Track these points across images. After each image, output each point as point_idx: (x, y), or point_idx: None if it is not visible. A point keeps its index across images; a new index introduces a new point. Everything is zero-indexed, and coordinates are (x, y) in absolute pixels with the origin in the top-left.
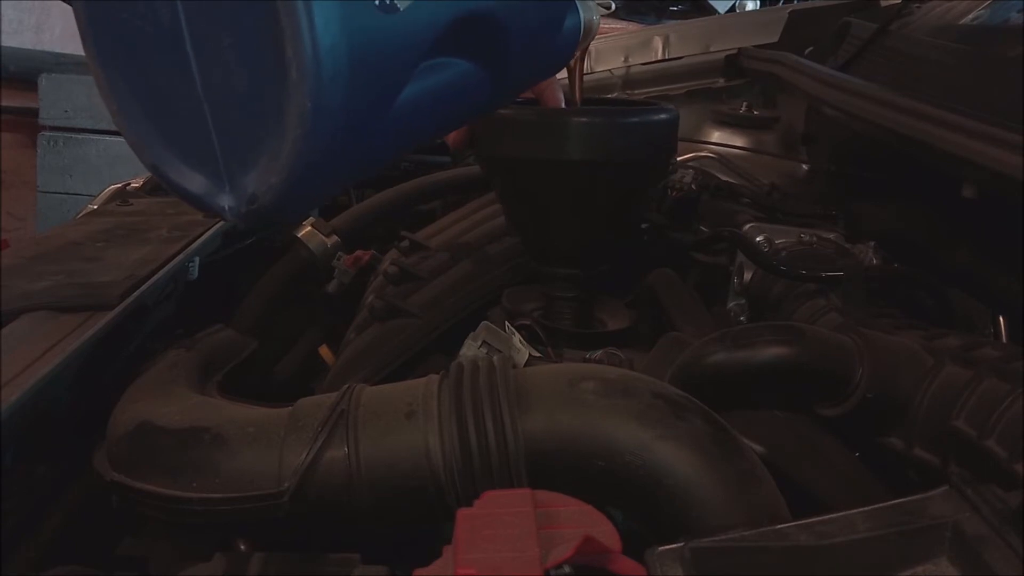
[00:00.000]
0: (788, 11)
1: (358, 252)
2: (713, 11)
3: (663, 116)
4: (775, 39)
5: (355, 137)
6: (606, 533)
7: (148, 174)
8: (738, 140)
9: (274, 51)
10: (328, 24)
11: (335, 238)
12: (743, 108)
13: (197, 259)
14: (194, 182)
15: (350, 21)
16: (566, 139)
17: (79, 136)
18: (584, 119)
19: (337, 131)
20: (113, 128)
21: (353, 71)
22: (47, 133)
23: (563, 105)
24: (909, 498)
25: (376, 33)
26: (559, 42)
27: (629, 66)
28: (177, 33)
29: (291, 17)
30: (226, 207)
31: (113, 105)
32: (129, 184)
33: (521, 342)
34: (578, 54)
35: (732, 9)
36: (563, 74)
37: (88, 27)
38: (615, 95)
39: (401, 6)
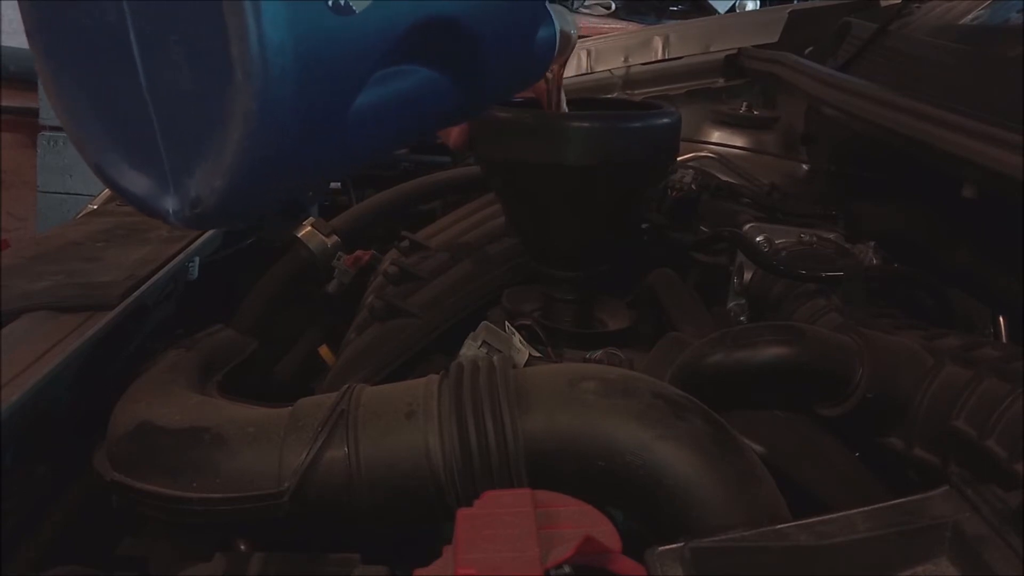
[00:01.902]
0: (788, 11)
1: (358, 252)
2: (713, 11)
3: (664, 120)
4: (775, 39)
5: (305, 142)
6: (606, 533)
7: None
8: (738, 140)
9: (220, 51)
10: (275, 23)
11: (335, 238)
12: (743, 108)
13: (197, 259)
14: (138, 183)
15: (299, 21)
16: (566, 143)
17: None
18: (584, 123)
19: (284, 134)
20: None
21: (302, 73)
22: (47, 133)
23: (564, 107)
24: (909, 498)
25: (328, 35)
26: (533, 52)
27: (629, 66)
28: (122, 31)
29: (237, 16)
30: (169, 210)
31: (57, 102)
32: None
33: (521, 342)
34: (555, 67)
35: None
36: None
37: (34, 24)
38: (615, 95)
39: (357, 8)
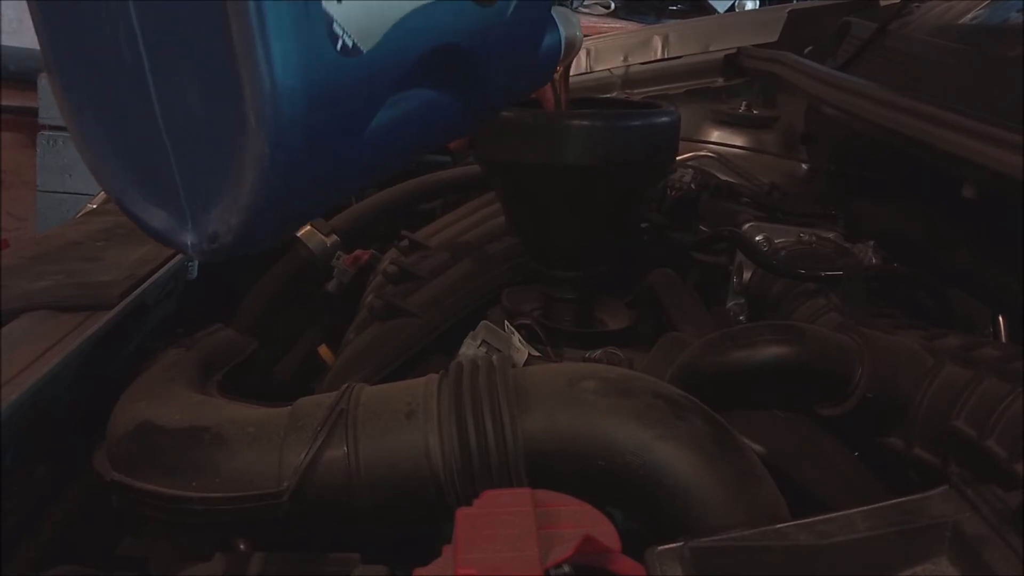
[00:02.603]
0: (787, 11)
1: (358, 252)
2: (713, 11)
3: (664, 119)
4: (774, 38)
5: (317, 175)
6: (606, 533)
7: None
8: (738, 139)
9: (233, 95)
10: (286, 72)
11: (335, 238)
12: (743, 107)
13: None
14: (157, 217)
15: (309, 68)
16: (566, 143)
17: None
18: (584, 123)
19: (298, 173)
20: None
21: (313, 117)
22: (47, 133)
23: (563, 107)
24: (909, 498)
25: (337, 77)
26: (538, 61)
27: (628, 65)
28: (140, 69)
29: (249, 64)
30: (188, 244)
31: (78, 138)
32: None
33: (521, 341)
34: (560, 69)
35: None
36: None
37: (53, 61)
38: (615, 95)
39: (364, 47)
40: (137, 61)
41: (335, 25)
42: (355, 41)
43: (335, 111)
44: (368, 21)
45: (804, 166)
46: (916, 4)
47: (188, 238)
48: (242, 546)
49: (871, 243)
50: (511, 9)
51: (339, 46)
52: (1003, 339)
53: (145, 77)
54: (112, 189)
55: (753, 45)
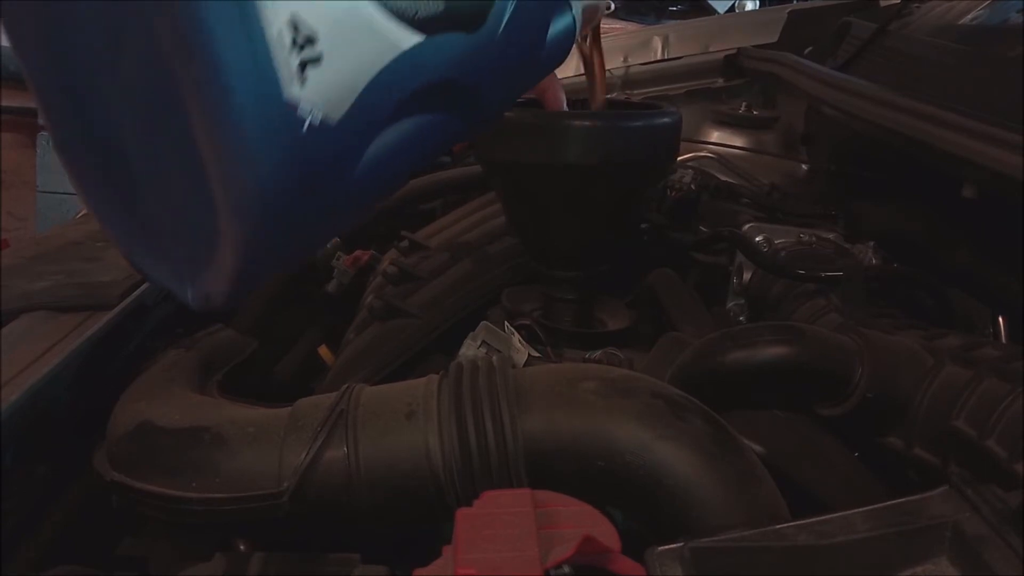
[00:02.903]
0: (787, 11)
1: (357, 252)
2: (713, 11)
3: (665, 120)
4: (774, 39)
5: (302, 233)
6: (606, 533)
7: None
8: (738, 140)
9: (206, 187)
10: (251, 171)
11: (335, 238)
12: (742, 108)
13: None
14: (161, 274)
15: (278, 157)
16: (566, 143)
17: None
18: (585, 123)
19: (279, 242)
20: None
21: (285, 196)
22: (47, 133)
23: (565, 107)
24: (909, 498)
25: (307, 153)
26: (546, 53)
27: (628, 66)
28: (131, 146)
29: (214, 166)
30: (189, 299)
31: (84, 200)
32: None
33: (521, 342)
34: (588, 42)
35: (732, 9)
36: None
37: (55, 139)
38: (615, 95)
39: (334, 118)
40: (127, 140)
41: (300, 110)
42: (324, 115)
43: (310, 180)
44: (336, 92)
45: (804, 166)
46: (916, 4)
47: (188, 295)
48: (242, 546)
49: (871, 243)
50: (503, 24)
51: (306, 128)
52: (1003, 339)
53: (135, 156)
54: (119, 246)
55: (753, 46)
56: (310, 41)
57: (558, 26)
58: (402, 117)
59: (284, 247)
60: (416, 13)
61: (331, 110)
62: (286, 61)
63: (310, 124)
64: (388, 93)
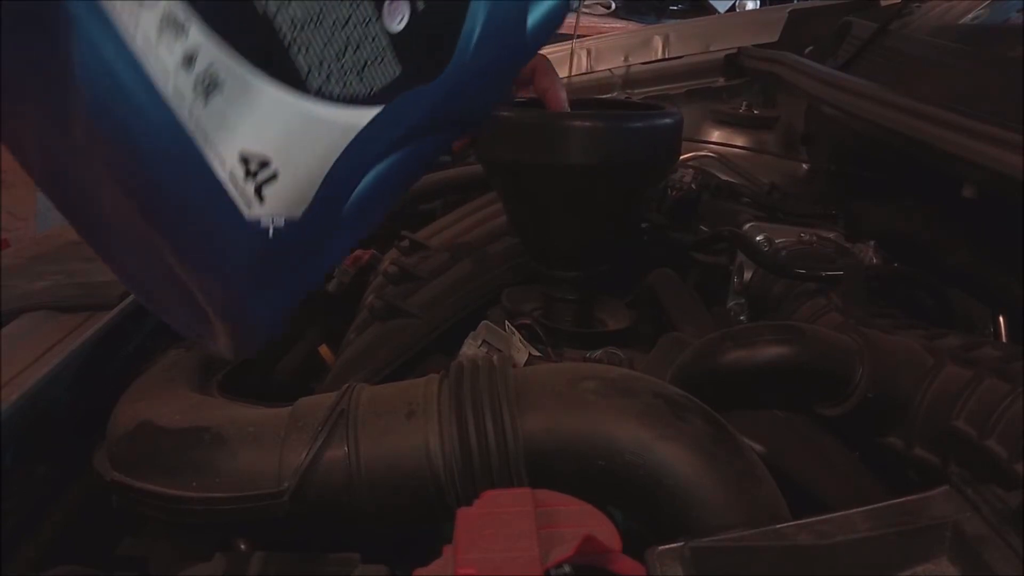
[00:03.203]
0: (788, 11)
1: (358, 252)
2: (713, 11)
3: (666, 120)
4: (775, 39)
5: (295, 289)
6: (606, 533)
7: None
8: (738, 139)
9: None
10: (227, 281)
11: None
12: (743, 107)
13: None
14: (178, 324)
15: (247, 264)
16: (567, 143)
17: None
18: (585, 123)
19: (272, 308)
20: None
21: (268, 281)
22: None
23: (566, 107)
24: (909, 498)
25: (282, 245)
26: (530, 37)
27: (629, 65)
28: (117, 243)
29: (194, 282)
30: (209, 348)
31: (103, 259)
32: None
33: (521, 341)
34: None
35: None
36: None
37: (68, 214)
38: (615, 95)
39: (297, 214)
40: (116, 236)
41: (261, 223)
42: (285, 218)
43: (289, 260)
44: (296, 194)
45: (804, 166)
46: (916, 4)
47: (208, 344)
48: (242, 546)
49: (871, 243)
50: (473, 44)
51: (271, 233)
52: (1003, 339)
53: (127, 252)
54: (144, 304)
55: (753, 45)
56: (264, 165)
57: (538, 12)
58: (377, 164)
59: (280, 305)
60: (371, 89)
61: (293, 210)
62: (243, 191)
63: (275, 229)
64: (353, 167)
